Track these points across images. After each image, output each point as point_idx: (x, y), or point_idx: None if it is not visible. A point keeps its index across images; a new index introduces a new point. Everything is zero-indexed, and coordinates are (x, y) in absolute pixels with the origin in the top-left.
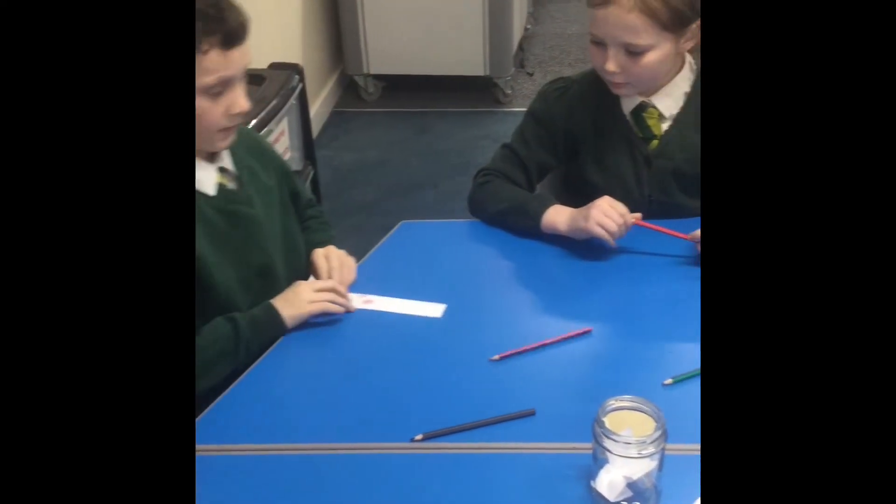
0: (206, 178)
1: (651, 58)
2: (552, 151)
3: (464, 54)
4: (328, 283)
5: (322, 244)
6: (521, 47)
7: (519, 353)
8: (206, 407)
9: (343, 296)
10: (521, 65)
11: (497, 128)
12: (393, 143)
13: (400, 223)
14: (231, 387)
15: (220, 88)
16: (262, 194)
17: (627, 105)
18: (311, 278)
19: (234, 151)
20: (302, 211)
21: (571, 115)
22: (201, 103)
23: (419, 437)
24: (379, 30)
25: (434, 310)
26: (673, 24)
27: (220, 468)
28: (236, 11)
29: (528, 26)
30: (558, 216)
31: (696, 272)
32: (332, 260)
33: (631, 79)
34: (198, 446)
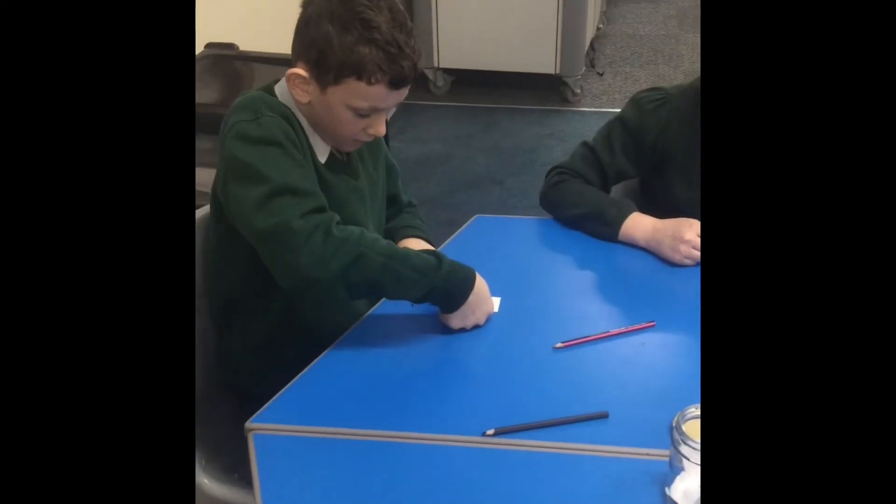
0: (321, 145)
1: None
2: (636, 162)
3: (535, 51)
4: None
5: (405, 226)
6: (591, 46)
7: (583, 343)
8: (293, 377)
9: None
10: (591, 64)
11: (564, 127)
12: (459, 137)
13: (474, 217)
14: (306, 370)
15: (369, 112)
16: (367, 179)
17: None
18: None
19: None
20: (396, 212)
21: (665, 129)
22: (346, 115)
23: (491, 431)
24: (452, 24)
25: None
26: None
27: (293, 448)
28: (411, 59)
29: (601, 25)
30: (638, 228)
31: None
32: None
33: None
34: (271, 426)
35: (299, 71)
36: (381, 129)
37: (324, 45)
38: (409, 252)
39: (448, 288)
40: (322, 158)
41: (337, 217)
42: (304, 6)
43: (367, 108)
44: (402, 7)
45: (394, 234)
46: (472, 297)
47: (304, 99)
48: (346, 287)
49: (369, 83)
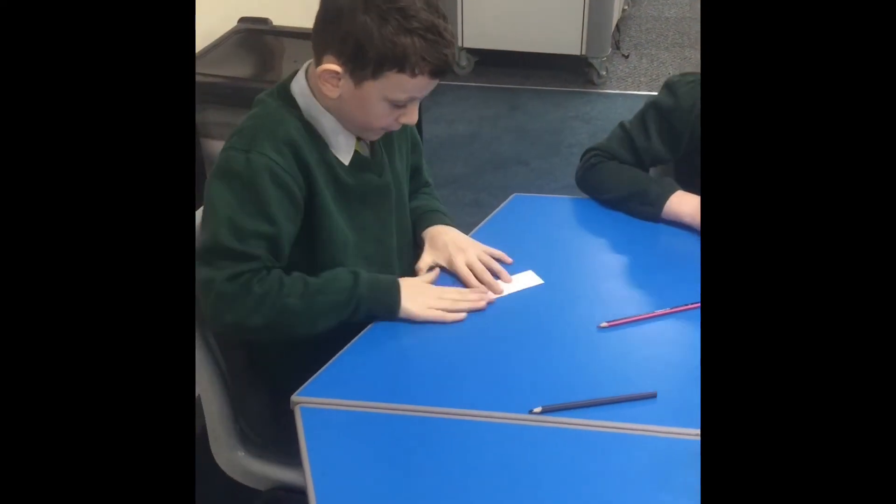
0: (345, 146)
1: None
2: (672, 146)
3: (560, 32)
4: (454, 295)
5: (430, 211)
6: (617, 28)
7: (629, 323)
8: (316, 360)
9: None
10: (616, 46)
11: (589, 109)
12: (484, 118)
13: (513, 195)
14: (350, 345)
15: (405, 103)
16: (394, 162)
17: None
18: (425, 255)
19: None
20: (417, 187)
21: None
22: (381, 108)
23: (538, 409)
24: (476, 3)
25: (532, 279)
26: None
27: (338, 422)
28: (452, 45)
29: (626, 7)
30: (683, 204)
31: None
32: (480, 273)
33: None
34: (317, 399)
35: (332, 66)
36: (414, 118)
37: (362, 37)
38: (323, 278)
39: (373, 293)
40: (346, 160)
41: (263, 271)
42: None
43: (404, 99)
44: None
45: (417, 219)
46: (407, 290)
47: (334, 94)
48: (281, 335)
49: (412, 75)
